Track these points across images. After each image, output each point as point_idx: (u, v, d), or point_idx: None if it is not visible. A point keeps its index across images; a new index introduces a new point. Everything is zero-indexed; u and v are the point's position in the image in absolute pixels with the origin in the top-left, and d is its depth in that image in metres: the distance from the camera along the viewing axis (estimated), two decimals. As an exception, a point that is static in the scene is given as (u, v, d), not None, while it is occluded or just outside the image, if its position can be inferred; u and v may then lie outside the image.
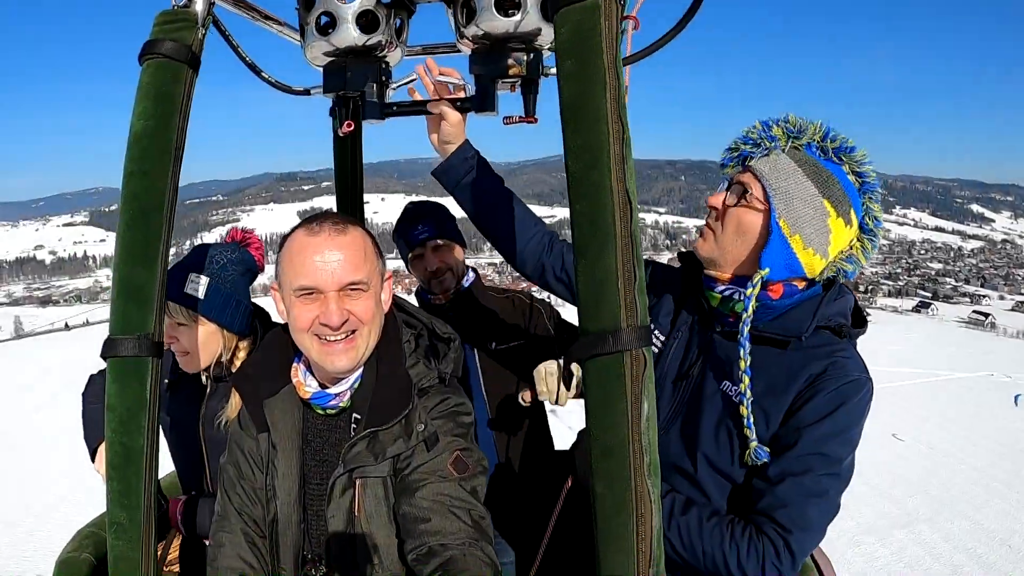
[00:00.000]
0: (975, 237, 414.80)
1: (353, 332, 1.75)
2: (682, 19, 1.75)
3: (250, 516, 1.91)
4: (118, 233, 1.64)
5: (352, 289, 1.73)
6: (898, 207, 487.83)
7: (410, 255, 3.01)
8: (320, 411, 1.87)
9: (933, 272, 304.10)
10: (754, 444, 1.70)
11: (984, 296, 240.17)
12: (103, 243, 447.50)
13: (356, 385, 1.84)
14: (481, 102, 2.06)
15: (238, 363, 2.28)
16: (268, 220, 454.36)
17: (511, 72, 1.97)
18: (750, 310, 1.72)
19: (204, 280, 2.24)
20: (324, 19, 1.91)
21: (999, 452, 47.70)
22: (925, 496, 41.74)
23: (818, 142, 1.81)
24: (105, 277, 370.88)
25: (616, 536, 1.29)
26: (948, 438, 51.50)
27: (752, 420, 1.70)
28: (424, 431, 1.76)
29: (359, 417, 1.82)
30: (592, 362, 1.29)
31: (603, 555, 1.32)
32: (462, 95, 2.13)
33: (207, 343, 2.25)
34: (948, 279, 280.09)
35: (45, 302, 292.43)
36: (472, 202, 2.25)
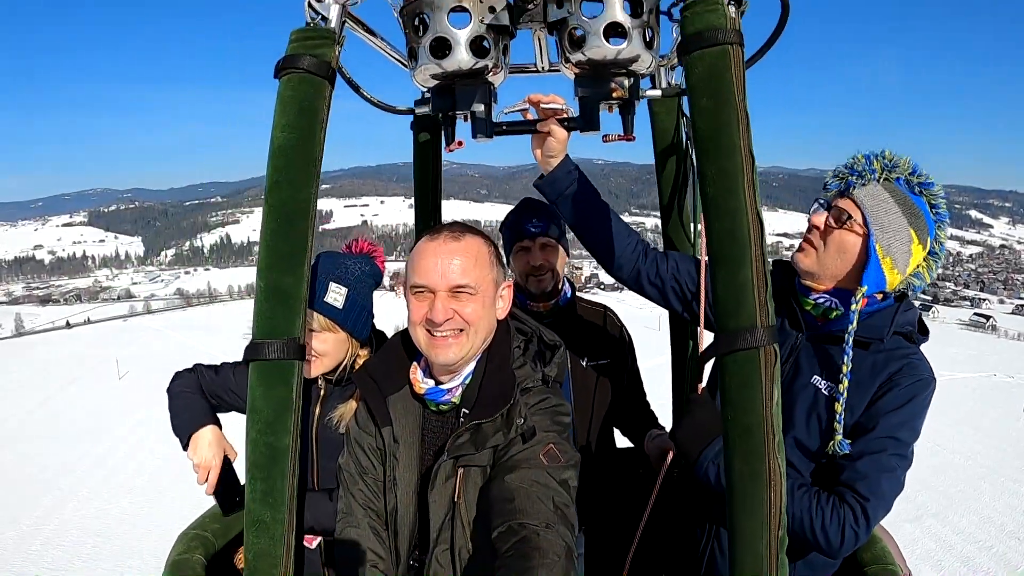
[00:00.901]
0: (973, 243, 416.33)
1: (460, 331, 1.92)
2: (769, 39, 1.99)
3: (373, 510, 2.07)
4: (263, 241, 1.72)
5: (460, 291, 1.90)
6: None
7: (517, 246, 3.09)
8: (434, 407, 2.03)
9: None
10: (839, 438, 2.03)
11: (984, 300, 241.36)
12: (102, 243, 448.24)
13: (467, 382, 1.99)
14: (587, 122, 2.23)
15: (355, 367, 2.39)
16: None
17: (615, 95, 2.14)
18: (855, 323, 2.05)
19: (344, 291, 2.33)
20: (437, 43, 1.98)
21: (1005, 450, 47.96)
22: (934, 492, 42.09)
23: (906, 177, 2.16)
24: (104, 277, 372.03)
25: (751, 503, 1.52)
26: (955, 436, 51.76)
27: (841, 416, 2.04)
28: (523, 425, 1.88)
29: (467, 412, 1.95)
30: (731, 356, 1.54)
31: (738, 520, 1.55)
32: (565, 116, 2.31)
33: (337, 350, 2.35)
34: (948, 283, 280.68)
35: (45, 301, 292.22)
36: (574, 212, 2.48)
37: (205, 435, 2.42)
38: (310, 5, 1.81)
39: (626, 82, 2.14)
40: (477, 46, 1.99)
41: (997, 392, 67.91)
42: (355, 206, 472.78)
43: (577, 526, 1.87)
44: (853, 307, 2.05)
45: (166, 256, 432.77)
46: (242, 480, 1.82)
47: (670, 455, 2.34)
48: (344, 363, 2.37)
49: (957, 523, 33.05)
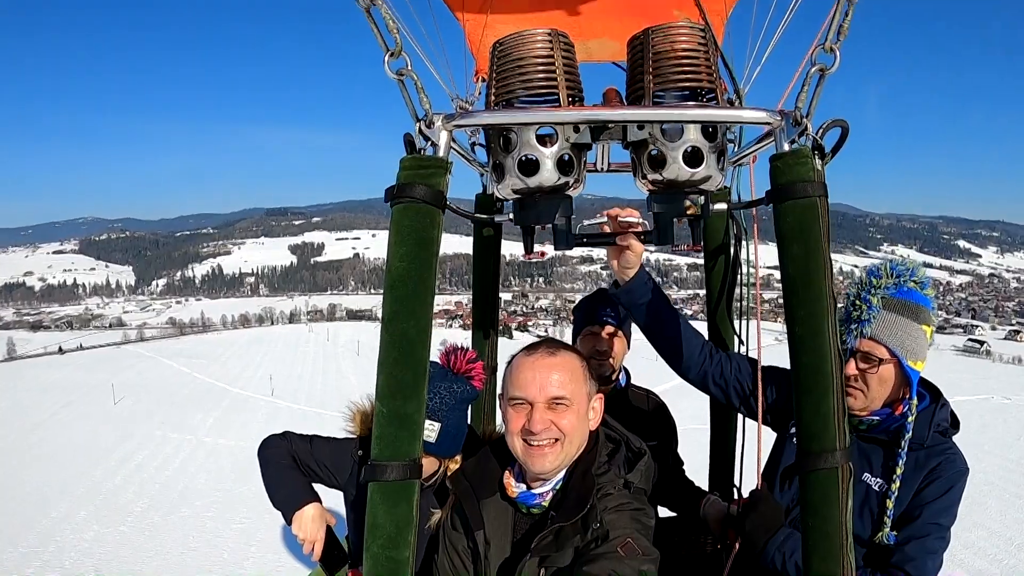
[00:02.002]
0: (963, 272, 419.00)
1: (556, 440, 2.05)
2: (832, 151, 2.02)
3: None
4: (383, 368, 1.82)
5: (557, 403, 2.04)
6: (886, 244, 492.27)
7: (587, 330, 3.35)
8: (524, 511, 2.15)
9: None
10: (887, 530, 2.35)
11: (977, 326, 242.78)
12: (93, 272, 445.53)
13: (557, 487, 2.10)
14: (660, 236, 2.35)
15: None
16: (259, 253, 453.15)
17: (688, 212, 2.25)
18: (911, 431, 2.38)
19: (437, 427, 2.45)
20: (524, 161, 2.06)
21: (1008, 467, 47.99)
22: (942, 509, 41.97)
23: (893, 283, 2.48)
24: (95, 305, 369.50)
25: None
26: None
27: (892, 512, 2.35)
28: (599, 529, 1.99)
29: (553, 515, 2.05)
30: (815, 473, 1.78)
31: None
32: (640, 229, 2.49)
33: (428, 467, 2.51)
34: (940, 312, 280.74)
35: (36, 327, 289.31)
36: (648, 319, 2.68)
37: (309, 511, 2.57)
38: (421, 132, 1.92)
39: (698, 200, 2.24)
40: (562, 164, 2.09)
41: (997, 413, 68.12)
42: (346, 239, 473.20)
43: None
44: (909, 419, 2.38)
45: (157, 286, 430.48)
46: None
47: (736, 545, 2.59)
48: (436, 475, 2.54)
49: (966, 538, 32.89)
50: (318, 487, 2.75)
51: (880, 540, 2.35)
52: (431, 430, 2.44)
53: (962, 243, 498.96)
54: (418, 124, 1.93)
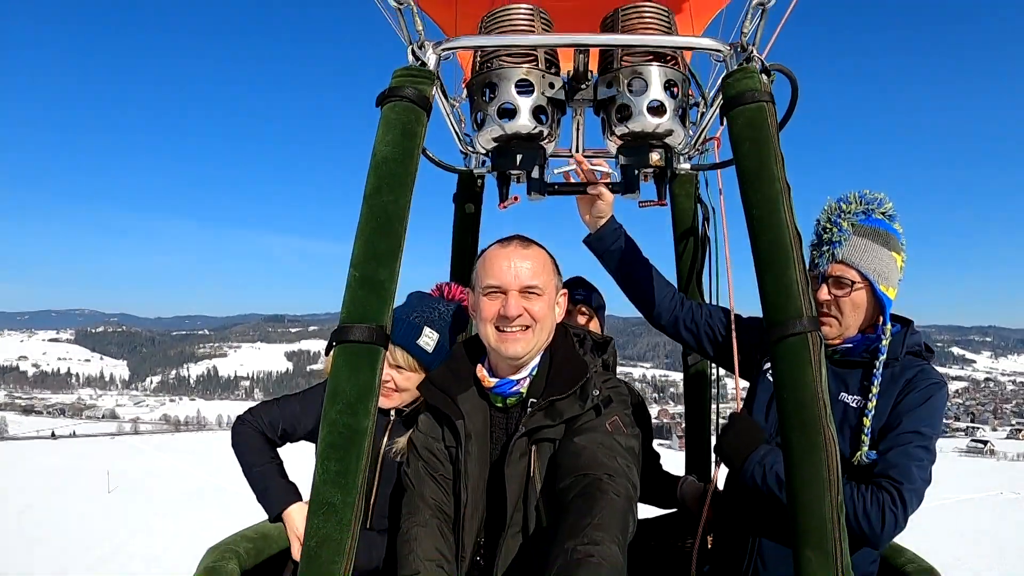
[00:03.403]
0: (958, 378, 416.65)
1: (527, 328, 2.13)
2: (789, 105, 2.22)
3: (440, 507, 2.18)
4: (359, 237, 1.87)
5: (529, 292, 2.13)
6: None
7: None
8: (500, 403, 2.21)
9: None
10: (865, 448, 2.27)
11: (977, 428, 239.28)
12: (87, 363, 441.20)
13: (533, 373, 2.19)
14: (627, 186, 2.60)
15: None
16: (256, 358, 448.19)
17: (653, 162, 2.48)
18: (886, 353, 2.36)
19: (436, 336, 2.50)
20: (503, 109, 2.35)
21: (1029, 558, 47.22)
22: (961, 605, 40.91)
23: (862, 209, 2.47)
24: (88, 396, 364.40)
25: (811, 470, 1.70)
26: (974, 550, 50.87)
27: (869, 429, 2.29)
28: (599, 396, 2.08)
29: (535, 400, 2.11)
30: (784, 342, 1.79)
31: (799, 489, 1.72)
32: (608, 180, 2.68)
33: (407, 396, 2.53)
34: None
35: (28, 411, 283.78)
36: (618, 265, 2.79)
37: (296, 512, 2.52)
38: (413, 52, 2.12)
39: (664, 154, 2.49)
40: (537, 114, 2.36)
41: (1007, 507, 67.18)
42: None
43: (639, 488, 2.01)
44: (884, 341, 2.38)
45: (151, 382, 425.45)
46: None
47: (711, 487, 2.66)
48: (419, 398, 2.48)
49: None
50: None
51: (859, 459, 2.28)
52: (430, 338, 2.49)
53: (956, 350, 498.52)
54: (411, 46, 2.12)
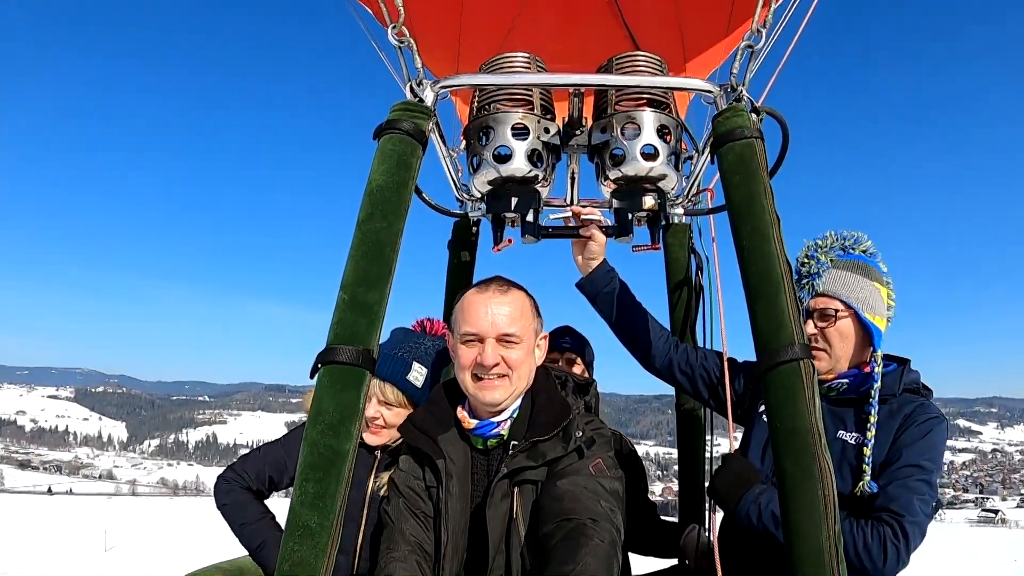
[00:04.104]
0: (965, 450, 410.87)
1: (504, 376, 2.12)
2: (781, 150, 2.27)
3: (419, 544, 2.15)
4: (351, 262, 1.86)
5: (507, 340, 2.12)
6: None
7: (546, 356, 3.50)
8: (480, 444, 2.19)
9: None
10: (867, 478, 2.24)
11: (987, 499, 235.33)
12: (86, 421, 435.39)
13: (515, 415, 2.17)
14: (621, 229, 2.61)
15: None
16: (256, 427, 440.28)
17: (646, 207, 2.51)
18: (880, 383, 2.35)
19: (425, 371, 2.52)
20: (499, 152, 2.37)
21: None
22: None
23: (840, 245, 2.53)
24: (85, 455, 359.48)
25: (807, 499, 1.64)
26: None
27: (869, 459, 2.26)
28: (582, 437, 2.06)
29: (516, 443, 2.10)
30: (775, 371, 1.75)
31: (794, 519, 1.66)
32: (602, 223, 2.70)
33: (390, 434, 2.52)
34: (947, 490, 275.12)
35: (24, 465, 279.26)
36: (611, 308, 2.78)
37: None
38: (411, 89, 2.13)
39: (657, 199, 2.51)
40: (533, 158, 2.39)
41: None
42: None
43: (623, 531, 1.98)
44: (876, 370, 2.36)
45: (149, 445, 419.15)
46: None
47: (715, 536, 2.57)
48: (399, 441, 2.44)
49: None
50: None
51: (862, 490, 2.23)
52: (419, 373, 2.49)
53: (962, 422, 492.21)
54: (409, 83, 2.14)
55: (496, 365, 2.09)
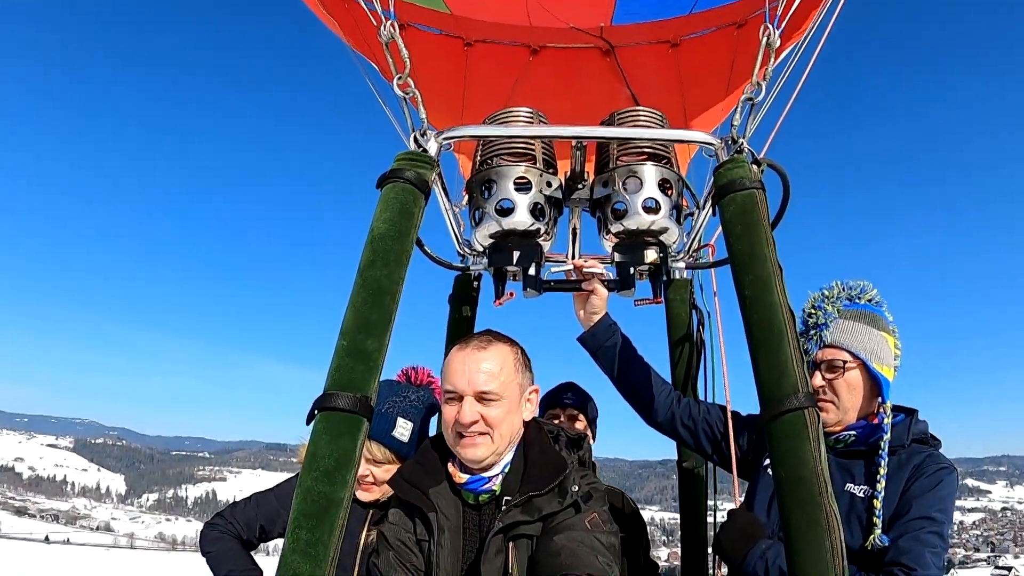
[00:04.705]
0: (974, 510, 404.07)
1: (483, 433, 2.06)
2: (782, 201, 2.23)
3: None
4: (351, 308, 1.85)
5: (485, 398, 2.06)
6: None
7: (549, 413, 3.48)
8: (472, 500, 2.13)
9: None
10: (878, 532, 2.19)
11: (999, 556, 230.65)
12: (84, 472, 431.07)
13: (506, 471, 2.13)
14: (623, 283, 2.60)
15: None
16: (256, 485, 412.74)
17: (648, 261, 2.51)
18: (888, 432, 2.32)
19: (410, 426, 2.50)
20: (504, 204, 2.38)
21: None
22: None
23: (846, 295, 2.51)
24: (83, 506, 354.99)
25: (814, 548, 1.59)
26: None
27: (880, 512, 2.21)
28: (578, 492, 2.02)
29: (509, 499, 2.04)
30: (779, 420, 1.72)
31: (800, 569, 1.61)
32: (604, 277, 2.70)
33: (381, 490, 2.53)
34: (958, 550, 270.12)
35: (21, 512, 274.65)
36: (613, 362, 2.76)
37: None
38: (415, 139, 2.15)
39: (659, 253, 2.51)
40: (535, 211, 2.40)
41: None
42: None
43: None
44: (886, 421, 2.33)
45: (148, 499, 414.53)
46: None
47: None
48: (388, 497, 2.41)
49: None
50: None
51: (872, 544, 2.19)
52: (404, 428, 2.47)
53: (970, 481, 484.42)
54: (413, 133, 2.16)
55: (475, 423, 2.05)
